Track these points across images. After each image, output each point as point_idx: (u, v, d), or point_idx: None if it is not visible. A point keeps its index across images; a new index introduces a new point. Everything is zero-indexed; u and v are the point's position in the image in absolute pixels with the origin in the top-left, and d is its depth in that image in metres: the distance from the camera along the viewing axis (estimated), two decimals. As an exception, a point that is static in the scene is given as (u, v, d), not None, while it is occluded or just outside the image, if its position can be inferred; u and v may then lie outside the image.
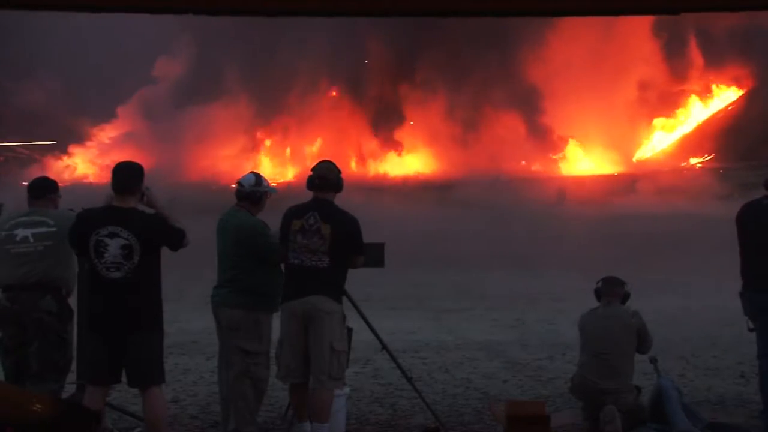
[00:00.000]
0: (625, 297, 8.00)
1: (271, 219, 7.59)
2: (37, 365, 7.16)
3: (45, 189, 7.53)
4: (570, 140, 63.21)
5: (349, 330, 7.51)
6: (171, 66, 57.91)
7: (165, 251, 6.82)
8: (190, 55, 57.20)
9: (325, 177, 7.37)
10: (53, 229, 7.24)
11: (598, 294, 8.02)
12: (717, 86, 65.99)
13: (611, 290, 7.96)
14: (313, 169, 7.43)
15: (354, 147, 58.96)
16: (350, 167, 54.67)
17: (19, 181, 33.20)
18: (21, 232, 7.28)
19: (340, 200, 7.50)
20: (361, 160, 58.97)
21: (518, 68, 58.09)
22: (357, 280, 7.94)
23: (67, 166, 58.35)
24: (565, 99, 58.84)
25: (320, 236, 7.19)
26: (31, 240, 7.26)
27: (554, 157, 62.66)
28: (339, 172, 7.44)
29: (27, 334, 7.21)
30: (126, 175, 6.82)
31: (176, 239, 6.83)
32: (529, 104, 59.40)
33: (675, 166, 61.25)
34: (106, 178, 7.00)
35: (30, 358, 7.20)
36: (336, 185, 7.38)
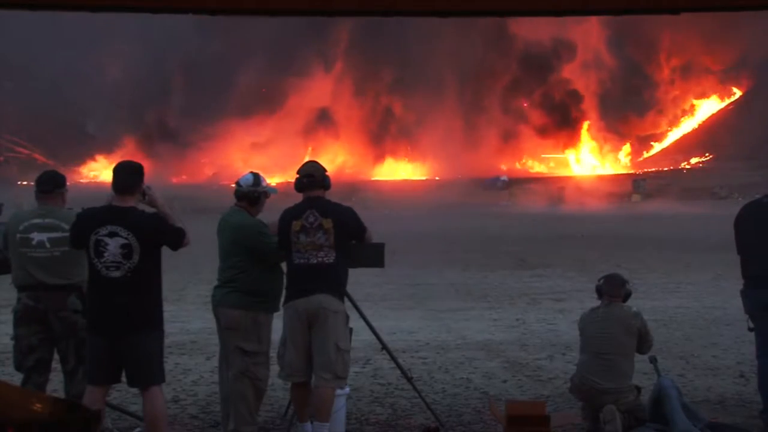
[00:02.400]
0: (627, 296, 8.00)
1: (273, 219, 7.58)
2: (75, 361, 7.23)
3: (53, 184, 7.50)
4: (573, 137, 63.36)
5: (350, 330, 7.51)
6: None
7: (165, 251, 6.81)
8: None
9: (312, 175, 7.40)
10: (68, 234, 7.21)
11: (600, 291, 8.00)
12: (718, 87, 65.99)
13: (613, 290, 7.94)
14: (299, 171, 7.44)
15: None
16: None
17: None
18: (37, 236, 7.27)
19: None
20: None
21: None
22: (357, 280, 7.93)
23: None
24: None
25: (323, 231, 7.22)
26: (48, 245, 7.26)
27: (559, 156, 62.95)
28: (324, 170, 7.46)
29: (53, 332, 7.27)
30: (126, 175, 6.80)
31: (176, 238, 6.81)
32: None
33: (675, 166, 61.28)
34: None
35: (68, 354, 7.28)
36: (323, 183, 7.40)
